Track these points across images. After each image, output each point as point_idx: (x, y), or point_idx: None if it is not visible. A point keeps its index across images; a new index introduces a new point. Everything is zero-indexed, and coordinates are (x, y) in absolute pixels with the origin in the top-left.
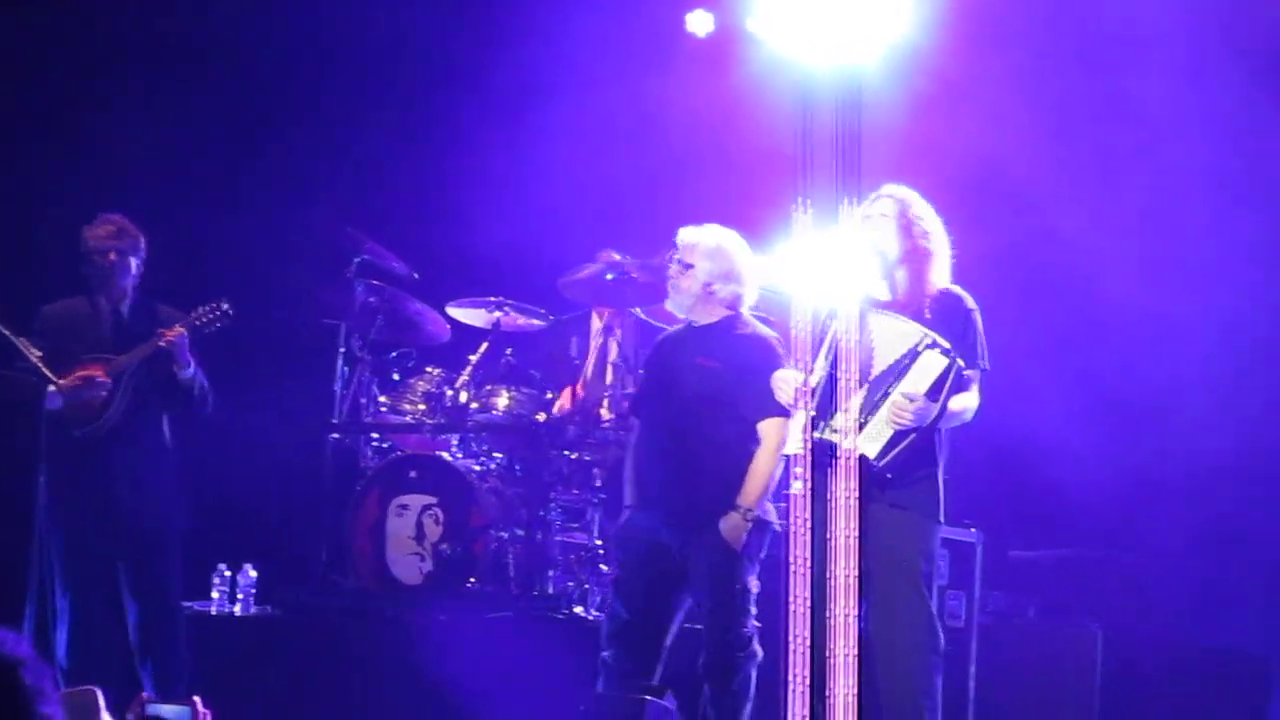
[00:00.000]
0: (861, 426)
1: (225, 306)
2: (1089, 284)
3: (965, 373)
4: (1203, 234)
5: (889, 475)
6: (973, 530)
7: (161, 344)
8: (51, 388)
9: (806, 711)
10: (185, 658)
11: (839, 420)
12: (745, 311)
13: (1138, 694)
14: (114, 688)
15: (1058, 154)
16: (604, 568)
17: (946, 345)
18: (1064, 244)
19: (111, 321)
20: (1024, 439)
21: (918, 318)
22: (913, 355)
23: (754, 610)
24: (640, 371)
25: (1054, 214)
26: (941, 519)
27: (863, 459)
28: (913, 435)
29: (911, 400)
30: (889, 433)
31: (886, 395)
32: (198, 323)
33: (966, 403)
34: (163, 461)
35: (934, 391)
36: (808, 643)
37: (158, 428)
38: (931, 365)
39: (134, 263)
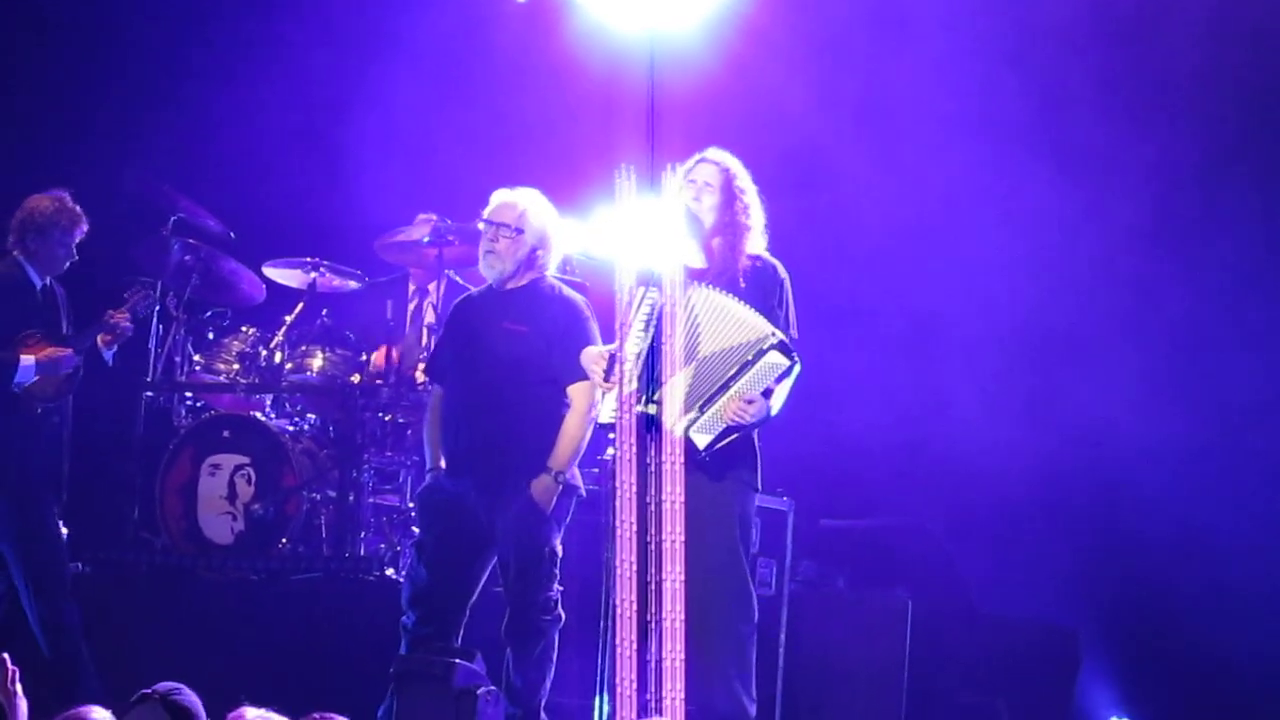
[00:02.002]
0: (694, 419)
1: (153, 292)
2: (893, 252)
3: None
4: (1004, 201)
5: (707, 459)
6: (785, 498)
7: (119, 328)
8: (28, 359)
9: (633, 675)
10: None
11: (663, 394)
12: (550, 275)
13: (946, 665)
14: None
15: (865, 121)
16: (415, 530)
17: (788, 343)
18: (867, 211)
19: (46, 297)
20: (833, 408)
21: (732, 286)
22: (758, 353)
23: (558, 574)
24: (437, 335)
25: (858, 180)
26: (759, 486)
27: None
28: (741, 431)
29: (751, 402)
30: (721, 427)
31: (724, 389)
32: (139, 308)
33: (780, 399)
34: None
35: (771, 387)
36: (635, 608)
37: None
38: (774, 366)
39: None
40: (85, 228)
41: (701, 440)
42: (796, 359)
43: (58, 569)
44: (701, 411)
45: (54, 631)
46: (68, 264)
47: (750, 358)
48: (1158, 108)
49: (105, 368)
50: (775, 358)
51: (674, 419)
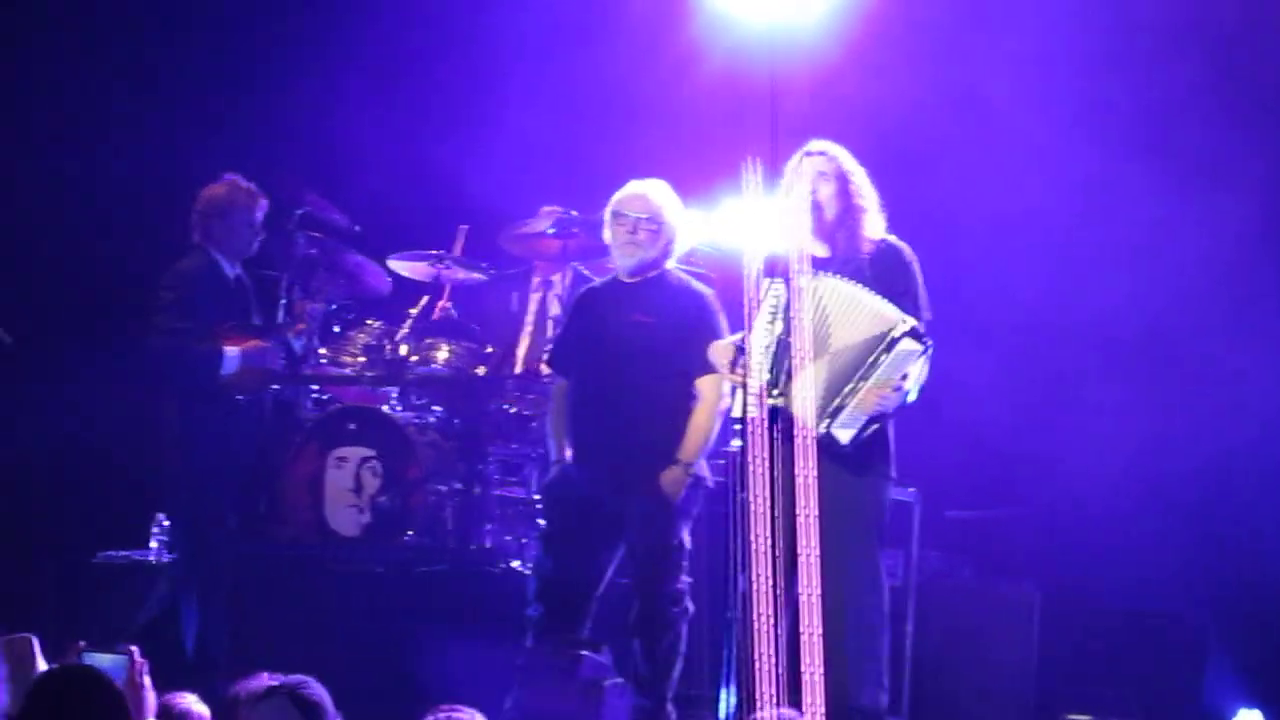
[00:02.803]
0: (836, 412)
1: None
2: (1025, 239)
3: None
4: (1131, 181)
5: (849, 451)
6: (911, 490)
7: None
8: (233, 350)
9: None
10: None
11: (794, 388)
12: (674, 265)
13: (1075, 655)
14: None
15: (985, 109)
16: (541, 522)
17: (919, 329)
18: (1000, 195)
19: (237, 288)
20: (959, 399)
21: (858, 274)
22: (890, 343)
23: (687, 565)
24: (561, 326)
25: (987, 167)
26: (893, 474)
27: (826, 437)
28: (881, 421)
29: (894, 390)
30: (863, 420)
31: (862, 380)
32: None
33: (917, 379)
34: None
35: (906, 376)
36: (773, 622)
37: None
38: (908, 353)
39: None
40: (265, 204)
41: (845, 435)
42: (929, 343)
43: (217, 571)
44: (842, 406)
45: (201, 631)
46: (255, 244)
47: (884, 348)
48: (1268, 109)
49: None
50: (908, 345)
51: (812, 416)
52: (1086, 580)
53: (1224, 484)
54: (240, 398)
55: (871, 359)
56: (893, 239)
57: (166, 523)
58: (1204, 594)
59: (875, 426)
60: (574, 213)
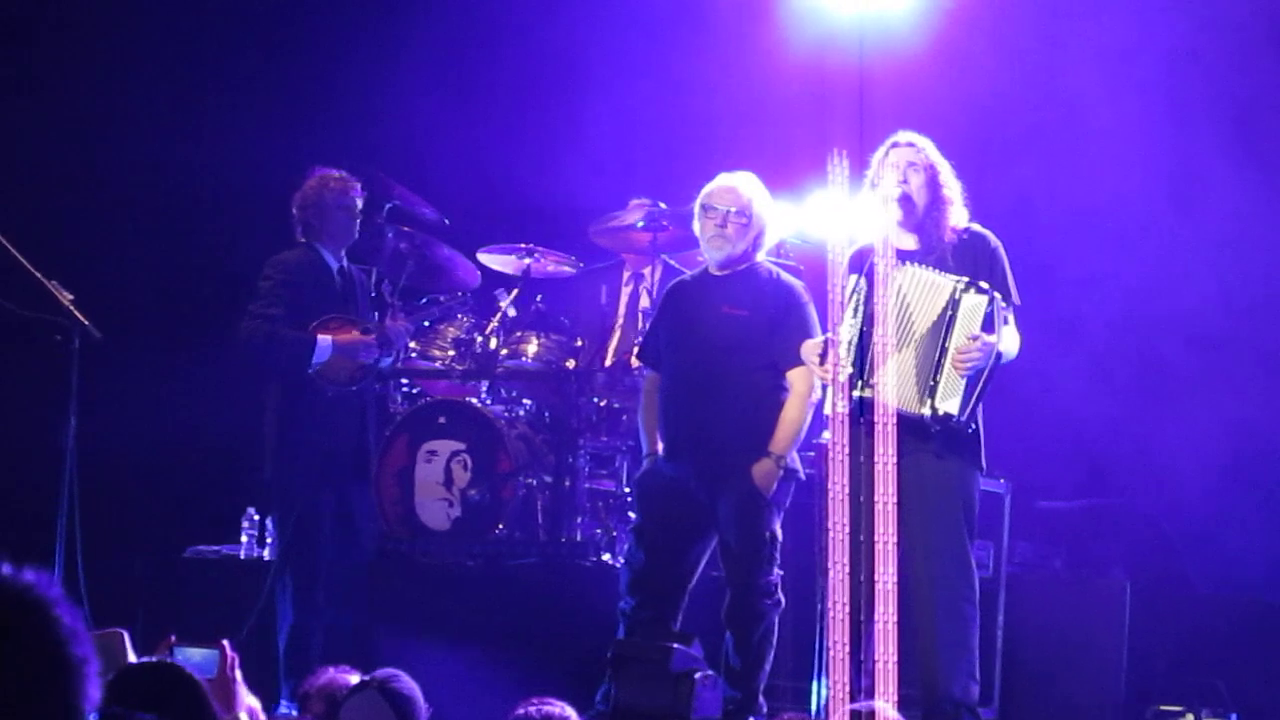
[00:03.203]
0: (933, 389)
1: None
2: (1119, 231)
3: (1003, 311)
4: (1219, 174)
5: (972, 427)
6: (1001, 480)
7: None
8: (325, 338)
9: (846, 676)
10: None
11: (878, 377)
12: (765, 258)
13: (1166, 645)
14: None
15: (1071, 100)
16: (632, 515)
17: (981, 284)
18: (1099, 186)
19: (341, 280)
20: (1051, 387)
21: (941, 264)
22: (953, 304)
23: (778, 558)
24: (651, 319)
25: (1074, 158)
26: (983, 466)
27: (941, 417)
28: (984, 379)
29: (975, 339)
30: (962, 384)
31: (945, 350)
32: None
33: (1011, 339)
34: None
35: (987, 326)
36: (847, 609)
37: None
38: (975, 306)
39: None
40: (359, 190)
41: (953, 405)
42: (994, 292)
43: (308, 578)
44: (936, 382)
45: (296, 625)
46: (355, 230)
47: (951, 311)
48: None
49: None
50: (971, 299)
51: (913, 401)
52: (1178, 570)
53: None
54: (331, 391)
55: (945, 328)
56: (976, 227)
57: (256, 517)
58: None
59: (980, 388)
60: (662, 205)
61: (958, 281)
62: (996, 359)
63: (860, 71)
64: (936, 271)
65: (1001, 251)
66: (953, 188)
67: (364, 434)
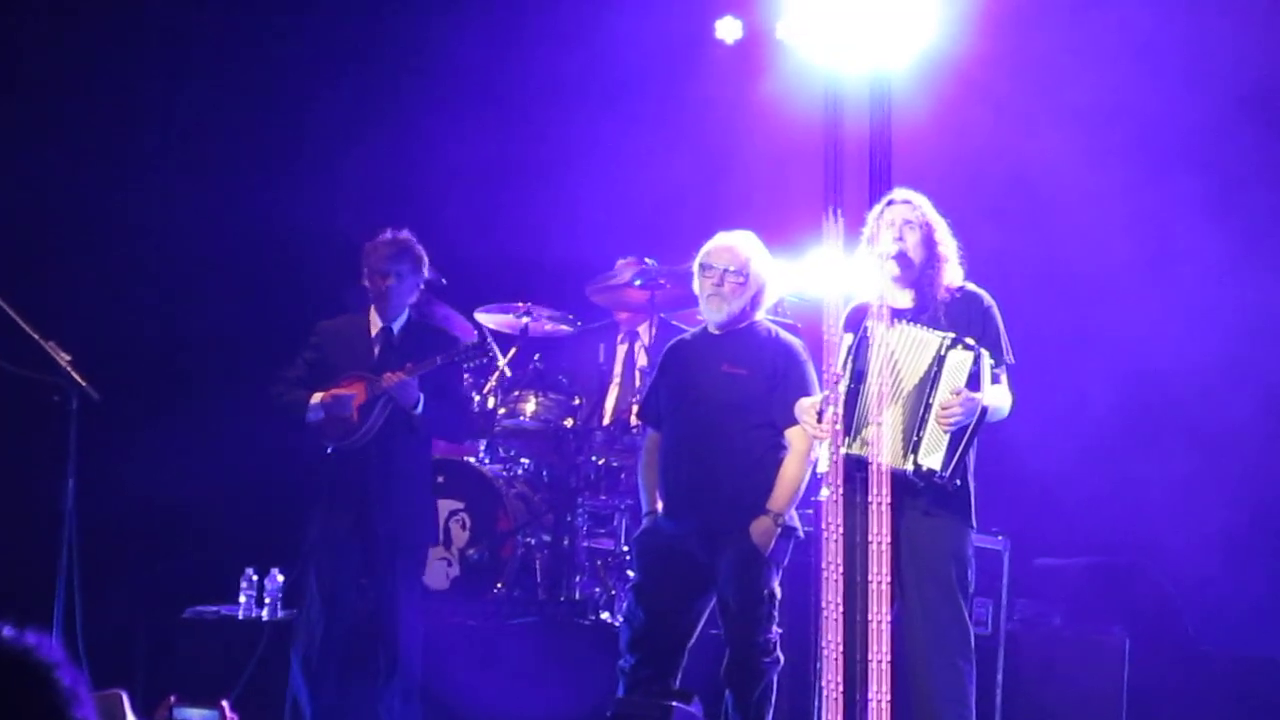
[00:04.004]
0: (916, 445)
1: (482, 345)
2: (1115, 286)
3: (994, 370)
4: (1221, 237)
5: (958, 482)
6: (1000, 538)
7: (384, 386)
8: (315, 399)
9: (840, 717)
10: (412, 663)
11: (869, 433)
12: (764, 316)
13: (1165, 703)
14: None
15: (1081, 157)
16: (631, 573)
17: (967, 341)
18: (1088, 246)
19: (382, 341)
20: (1048, 444)
21: (934, 322)
22: (939, 360)
23: (777, 615)
24: (649, 378)
25: (1078, 217)
26: (974, 523)
27: (925, 473)
28: (968, 435)
29: (957, 394)
30: (946, 439)
31: (929, 406)
32: (417, 365)
33: (1001, 397)
34: (415, 480)
35: (973, 383)
36: (841, 649)
37: (410, 448)
38: (960, 363)
39: (413, 283)
40: (389, 253)
41: (935, 460)
42: (980, 349)
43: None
44: (920, 437)
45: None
46: (390, 295)
47: (936, 369)
48: None
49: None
50: (956, 356)
51: (898, 458)
52: (1177, 627)
53: None
54: (330, 447)
55: (930, 383)
56: (971, 286)
57: (255, 577)
58: None
59: (964, 444)
60: (649, 260)
61: (944, 338)
62: (982, 415)
63: (870, 129)
64: (926, 329)
65: (995, 310)
66: (948, 245)
67: (365, 489)
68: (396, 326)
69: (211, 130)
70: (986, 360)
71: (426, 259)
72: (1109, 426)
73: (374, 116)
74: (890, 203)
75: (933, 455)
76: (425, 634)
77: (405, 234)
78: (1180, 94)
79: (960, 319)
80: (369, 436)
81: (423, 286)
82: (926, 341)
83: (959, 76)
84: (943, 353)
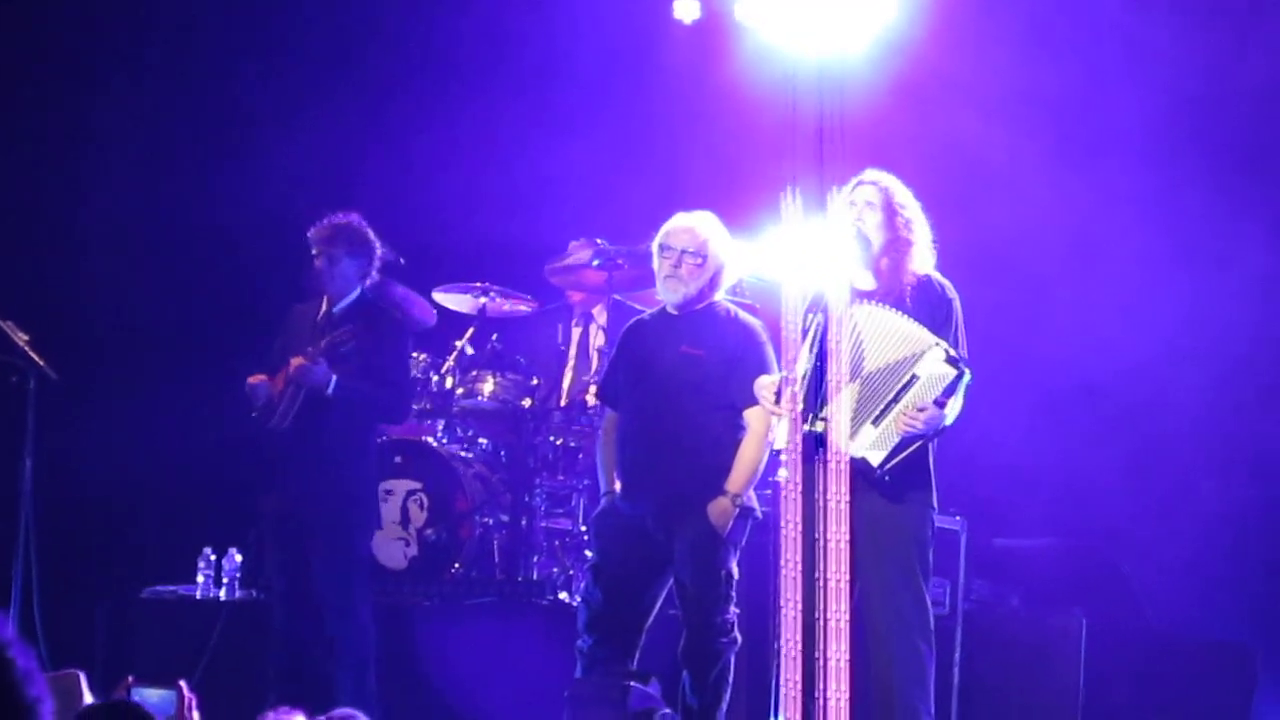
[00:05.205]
0: (864, 432)
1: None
2: (1070, 271)
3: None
4: (1176, 221)
5: (887, 479)
6: (957, 518)
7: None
8: (251, 381)
9: (799, 714)
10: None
11: (828, 411)
12: (723, 297)
13: (1122, 683)
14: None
15: (1036, 142)
16: (589, 554)
17: (954, 354)
18: (1043, 231)
19: (324, 322)
20: (1006, 425)
21: (899, 305)
22: (919, 361)
23: (734, 596)
24: (608, 358)
25: (1034, 202)
26: (935, 505)
27: (860, 461)
28: (918, 443)
29: (923, 410)
30: (896, 440)
31: (893, 403)
32: (332, 345)
33: (955, 408)
34: (340, 461)
35: (944, 396)
36: (800, 647)
37: (336, 428)
38: (942, 375)
39: (351, 265)
40: (320, 236)
41: (876, 457)
42: (965, 368)
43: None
44: (874, 427)
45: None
46: (322, 275)
47: (913, 372)
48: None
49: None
50: (940, 368)
51: (844, 439)
52: (1134, 608)
53: (1276, 512)
54: (273, 428)
55: (902, 382)
56: (937, 275)
57: (213, 557)
58: (1252, 623)
59: (912, 448)
60: (600, 241)
61: (935, 343)
62: (939, 431)
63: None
64: (904, 317)
65: (957, 304)
66: (916, 231)
67: (286, 471)
68: (338, 308)
69: (167, 111)
70: (966, 380)
71: (375, 241)
72: (1066, 408)
73: (331, 99)
74: (860, 183)
75: (878, 452)
76: (378, 612)
77: (345, 217)
78: (1125, 91)
79: (924, 306)
80: (287, 419)
81: (375, 267)
82: (911, 337)
83: (917, 61)
84: (927, 358)
